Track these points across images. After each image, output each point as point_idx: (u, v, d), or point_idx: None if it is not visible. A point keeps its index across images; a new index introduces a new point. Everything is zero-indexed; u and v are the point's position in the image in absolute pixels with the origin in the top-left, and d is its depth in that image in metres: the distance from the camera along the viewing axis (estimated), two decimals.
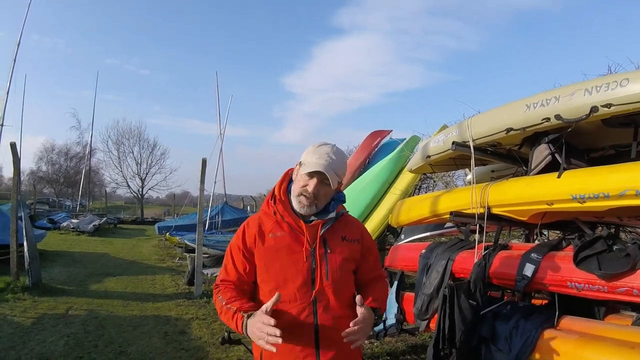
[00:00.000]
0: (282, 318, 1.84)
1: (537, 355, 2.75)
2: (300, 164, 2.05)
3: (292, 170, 2.14)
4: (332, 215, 2.05)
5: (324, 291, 1.95)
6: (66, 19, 79.85)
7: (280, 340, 1.69)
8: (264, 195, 27.23)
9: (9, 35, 67.91)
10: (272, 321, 1.71)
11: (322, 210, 2.06)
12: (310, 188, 1.97)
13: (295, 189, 2.04)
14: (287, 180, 2.13)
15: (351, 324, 1.81)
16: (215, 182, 21.26)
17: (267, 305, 1.80)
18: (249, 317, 1.84)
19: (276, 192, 2.09)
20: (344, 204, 2.18)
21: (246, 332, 1.83)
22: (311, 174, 1.97)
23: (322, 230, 2.02)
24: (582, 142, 3.51)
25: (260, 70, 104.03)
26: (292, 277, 1.94)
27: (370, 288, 2.15)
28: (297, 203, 2.01)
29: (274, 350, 1.71)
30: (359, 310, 1.87)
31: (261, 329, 1.74)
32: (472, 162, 3.65)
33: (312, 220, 2.03)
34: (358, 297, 1.89)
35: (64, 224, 22.70)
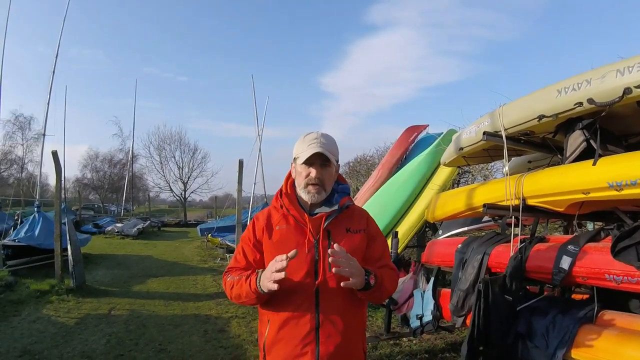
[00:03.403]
0: (285, 308, 1.97)
1: (574, 352, 2.65)
2: (294, 159, 2.11)
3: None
4: (335, 207, 2.08)
5: (327, 283, 1.97)
6: (103, 30, 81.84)
7: (282, 275, 1.76)
8: None
9: (48, 49, 70.28)
10: (282, 257, 1.79)
11: (326, 202, 2.10)
12: (313, 174, 2.01)
13: (299, 182, 2.08)
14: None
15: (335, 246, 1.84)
16: (254, 183, 21.34)
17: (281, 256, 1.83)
18: (262, 271, 1.94)
19: (283, 187, 2.16)
20: (349, 196, 2.18)
21: (259, 284, 1.91)
22: (309, 161, 2.01)
23: (326, 223, 2.04)
24: (618, 127, 3.34)
25: (296, 70, 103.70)
26: (296, 268, 1.95)
27: None
28: (306, 194, 2.05)
29: (275, 287, 1.79)
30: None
31: (270, 268, 1.84)
32: (505, 152, 3.53)
33: (317, 214, 2.06)
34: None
35: (109, 228, 23.14)
